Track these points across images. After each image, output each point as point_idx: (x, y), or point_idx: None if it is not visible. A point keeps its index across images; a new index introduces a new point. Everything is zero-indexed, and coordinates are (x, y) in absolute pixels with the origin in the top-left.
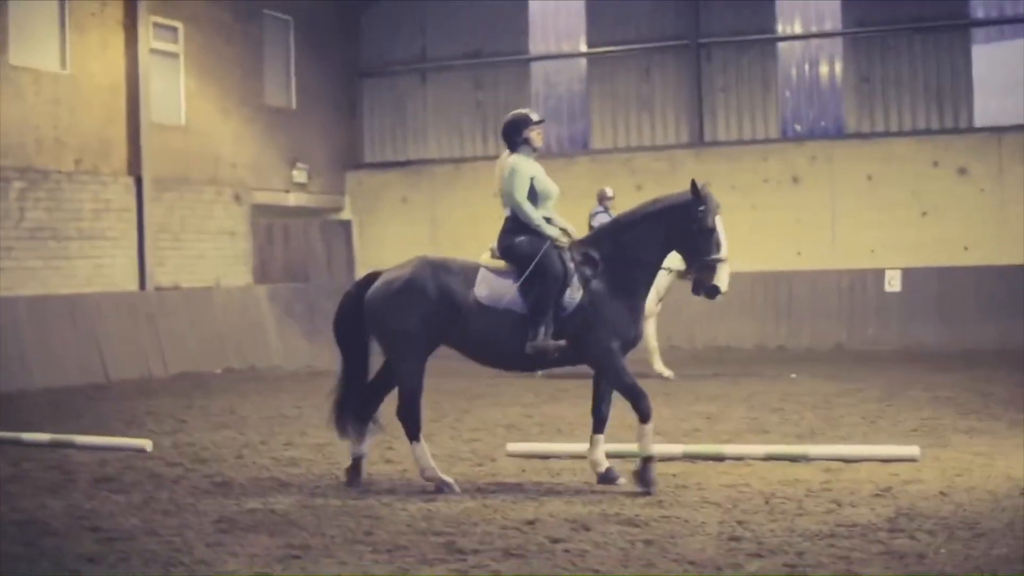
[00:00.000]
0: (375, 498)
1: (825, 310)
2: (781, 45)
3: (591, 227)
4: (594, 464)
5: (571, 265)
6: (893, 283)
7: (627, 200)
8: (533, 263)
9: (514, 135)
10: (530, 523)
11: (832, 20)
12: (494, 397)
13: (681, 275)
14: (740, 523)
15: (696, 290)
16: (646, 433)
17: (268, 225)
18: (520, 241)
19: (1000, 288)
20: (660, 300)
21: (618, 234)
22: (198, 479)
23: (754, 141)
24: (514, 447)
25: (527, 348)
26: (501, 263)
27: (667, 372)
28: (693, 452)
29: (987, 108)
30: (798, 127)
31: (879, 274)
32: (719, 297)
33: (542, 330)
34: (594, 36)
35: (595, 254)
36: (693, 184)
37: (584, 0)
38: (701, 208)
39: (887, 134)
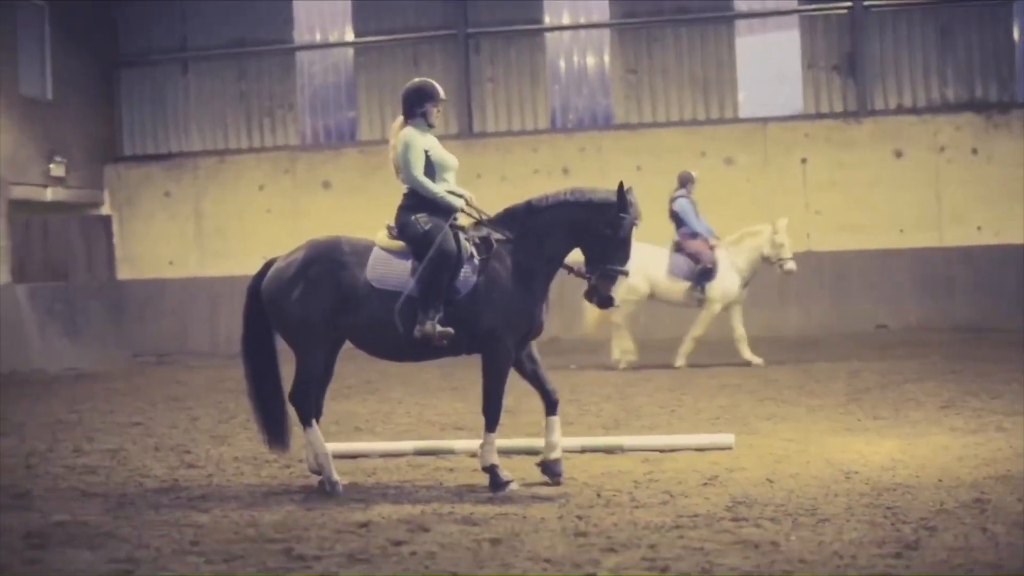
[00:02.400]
0: (189, 505)
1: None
2: (549, 36)
3: (672, 212)
4: (549, 448)
5: (468, 245)
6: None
7: (395, 193)
8: (434, 246)
9: (414, 105)
10: (363, 525)
11: (599, 11)
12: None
13: (577, 273)
14: (580, 518)
15: (589, 296)
16: (491, 441)
17: (26, 221)
18: (418, 218)
19: (770, 274)
20: (745, 285)
21: (528, 217)
22: None
23: (524, 132)
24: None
25: (415, 332)
26: (396, 243)
27: (756, 359)
28: (507, 447)
29: (752, 99)
30: (570, 117)
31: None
32: (612, 309)
33: (432, 314)
34: (360, 25)
35: (498, 235)
36: (620, 187)
37: None
38: (623, 215)
39: (655, 124)
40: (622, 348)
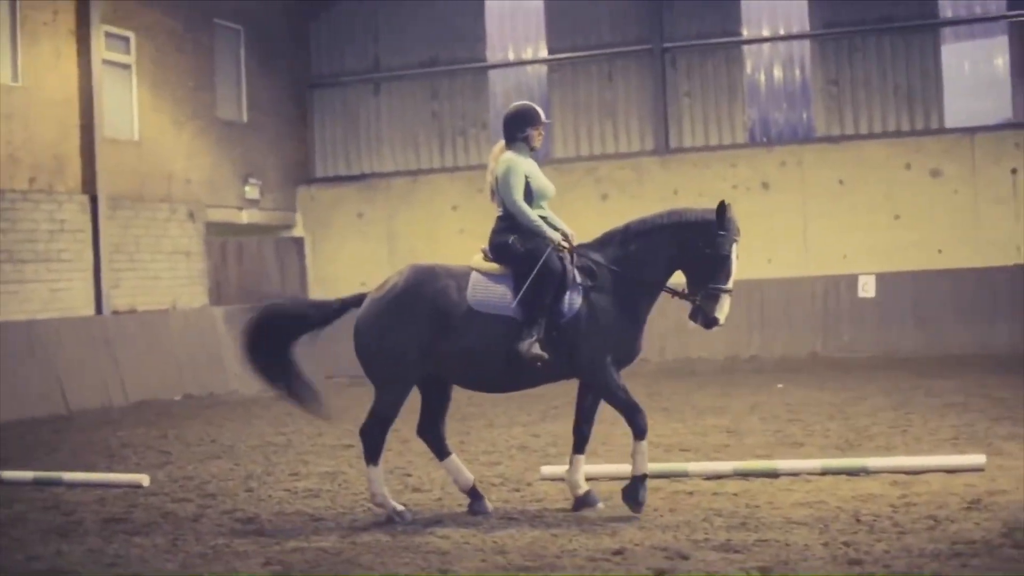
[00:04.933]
0: (426, 531)
1: (799, 318)
2: (747, 48)
3: None
4: (573, 486)
5: (572, 268)
6: (867, 288)
7: (593, 211)
8: (538, 265)
9: (515, 129)
10: (617, 553)
11: (799, 22)
12: (486, 418)
13: (680, 295)
14: (847, 544)
15: (694, 317)
16: (641, 450)
17: (222, 244)
18: (515, 240)
19: (976, 291)
20: None
21: (626, 243)
22: (217, 516)
23: (721, 147)
24: (549, 470)
25: (517, 346)
26: (494, 266)
27: None
28: (744, 469)
29: (958, 108)
30: (769, 131)
31: (853, 279)
32: (716, 329)
33: (534, 333)
34: (554, 42)
35: (598, 262)
36: (721, 205)
37: (543, 4)
38: (722, 232)
39: (857, 137)
40: None
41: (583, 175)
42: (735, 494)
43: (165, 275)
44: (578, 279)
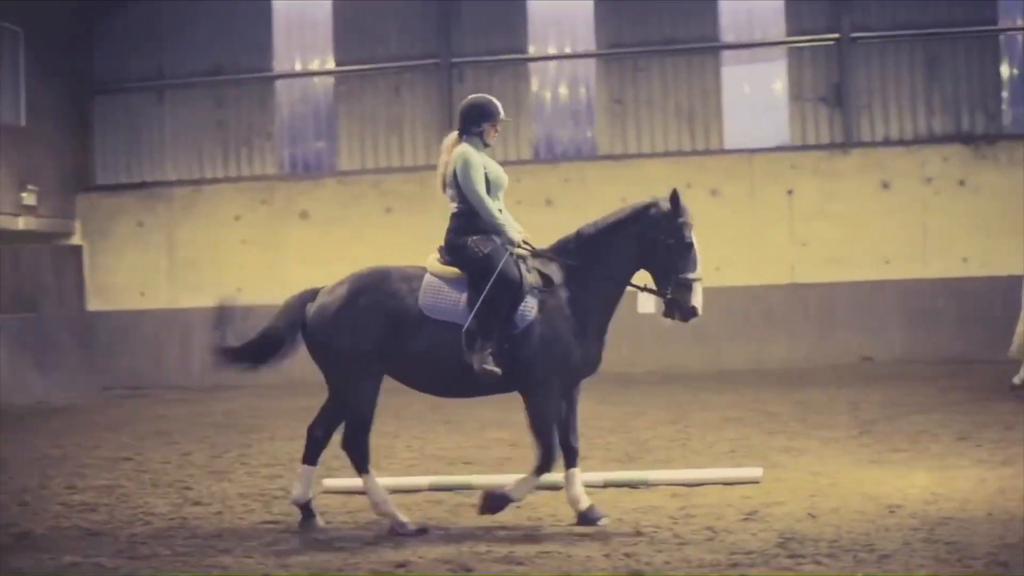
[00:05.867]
0: (206, 545)
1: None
2: (533, 66)
3: None
4: (573, 502)
5: (528, 276)
6: (646, 305)
7: (377, 224)
8: (494, 274)
9: (471, 122)
10: (401, 566)
11: (585, 41)
12: (268, 430)
13: (648, 291)
14: (628, 555)
15: (670, 312)
16: (530, 482)
17: None
18: (474, 241)
19: (752, 308)
20: None
21: (582, 248)
22: None
23: (507, 162)
24: (332, 483)
25: (467, 359)
26: (449, 270)
27: None
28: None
29: (738, 130)
30: (554, 148)
31: (633, 295)
32: (693, 320)
33: (485, 346)
34: (342, 53)
35: (553, 267)
36: (674, 193)
37: (332, 15)
38: (680, 220)
39: (640, 155)
40: None
41: (368, 187)
42: (518, 507)
43: None
44: (534, 286)
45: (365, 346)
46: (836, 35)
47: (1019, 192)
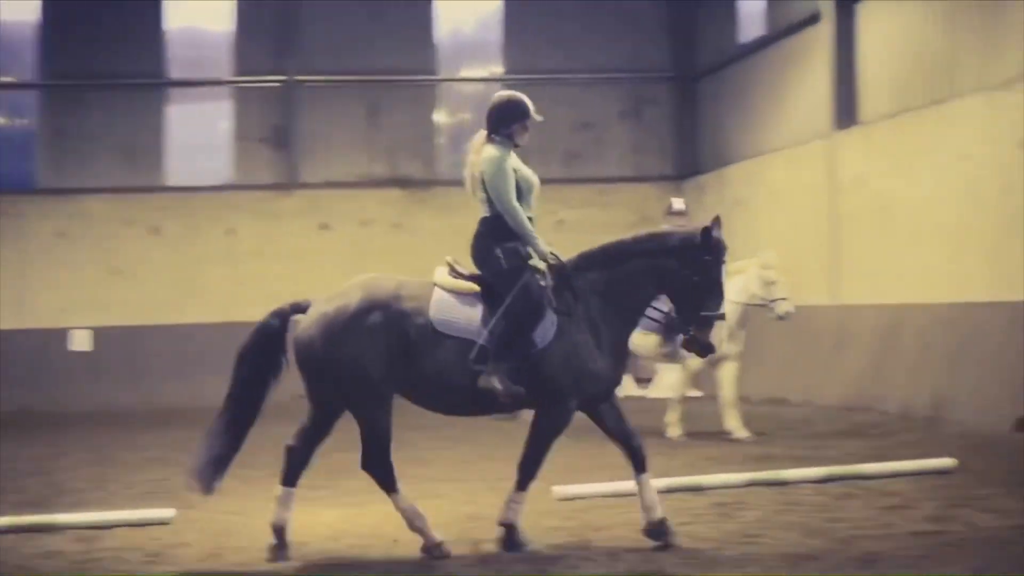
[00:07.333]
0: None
1: (10, 373)
2: None
3: None
4: (648, 510)
5: (550, 294)
6: (82, 342)
7: None
8: (516, 290)
9: (500, 123)
10: None
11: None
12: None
13: (669, 322)
14: None
15: (689, 347)
16: (520, 500)
17: None
18: (503, 250)
19: (187, 346)
20: (734, 335)
21: (604, 268)
22: None
23: None
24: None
25: (479, 382)
26: (462, 284)
27: (742, 433)
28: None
29: (181, 168)
30: None
31: (65, 333)
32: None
33: (502, 366)
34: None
35: (575, 286)
36: (707, 227)
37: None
38: (708, 258)
39: (81, 191)
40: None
41: None
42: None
43: None
44: (554, 305)
45: (374, 369)
46: (283, 76)
47: (449, 234)
